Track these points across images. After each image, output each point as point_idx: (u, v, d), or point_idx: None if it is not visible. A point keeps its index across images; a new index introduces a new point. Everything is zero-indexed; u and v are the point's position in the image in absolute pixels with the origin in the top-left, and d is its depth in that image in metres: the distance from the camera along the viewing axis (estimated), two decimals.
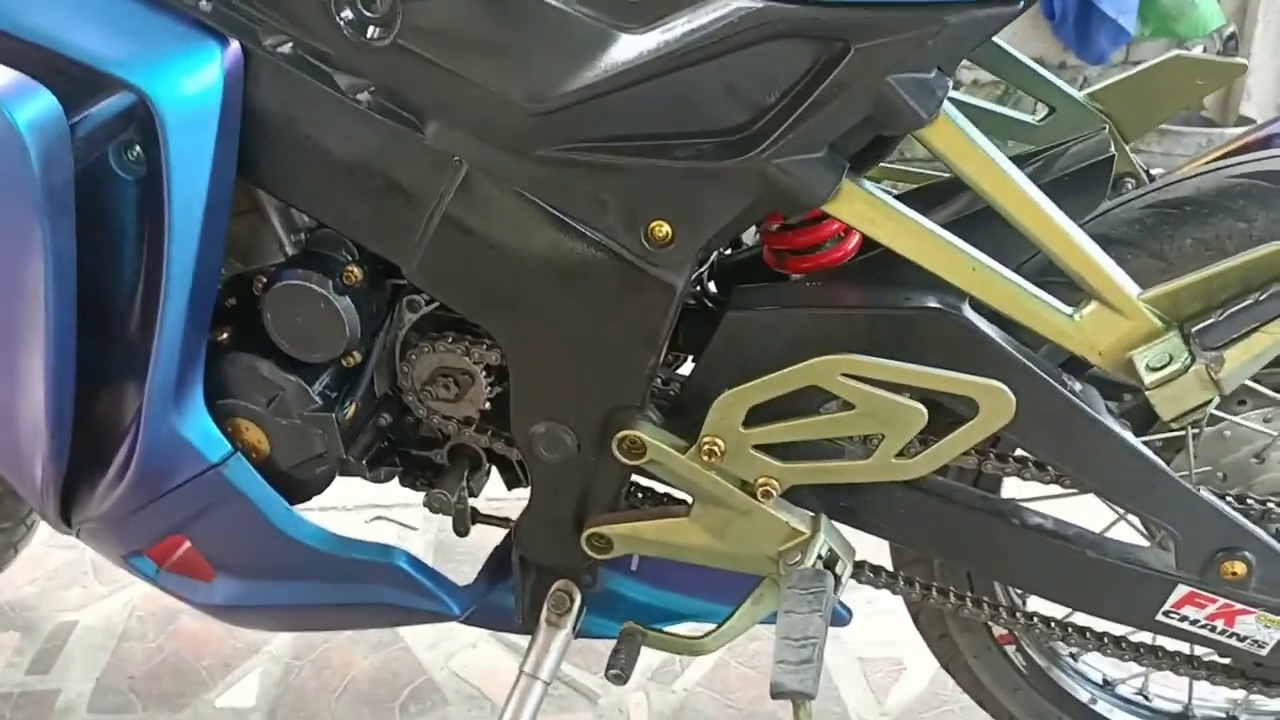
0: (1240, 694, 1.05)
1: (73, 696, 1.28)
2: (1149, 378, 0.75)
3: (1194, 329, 0.74)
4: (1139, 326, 0.76)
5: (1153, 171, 1.05)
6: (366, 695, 1.29)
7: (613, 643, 0.96)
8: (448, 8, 0.76)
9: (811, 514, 0.88)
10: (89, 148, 0.78)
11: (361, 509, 1.61)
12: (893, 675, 1.34)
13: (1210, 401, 0.75)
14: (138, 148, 0.80)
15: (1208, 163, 0.91)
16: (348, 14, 0.76)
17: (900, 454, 0.82)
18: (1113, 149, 0.87)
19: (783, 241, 0.91)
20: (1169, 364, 0.74)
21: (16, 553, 1.34)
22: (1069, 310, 0.77)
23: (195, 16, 0.77)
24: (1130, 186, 1.03)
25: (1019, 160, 0.92)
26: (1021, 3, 0.72)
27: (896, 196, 0.82)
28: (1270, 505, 0.88)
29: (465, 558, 1.48)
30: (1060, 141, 0.92)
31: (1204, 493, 0.85)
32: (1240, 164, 0.86)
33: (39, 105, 0.74)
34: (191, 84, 0.77)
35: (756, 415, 0.83)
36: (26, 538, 1.33)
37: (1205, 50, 0.97)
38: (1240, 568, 0.86)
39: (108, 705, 1.27)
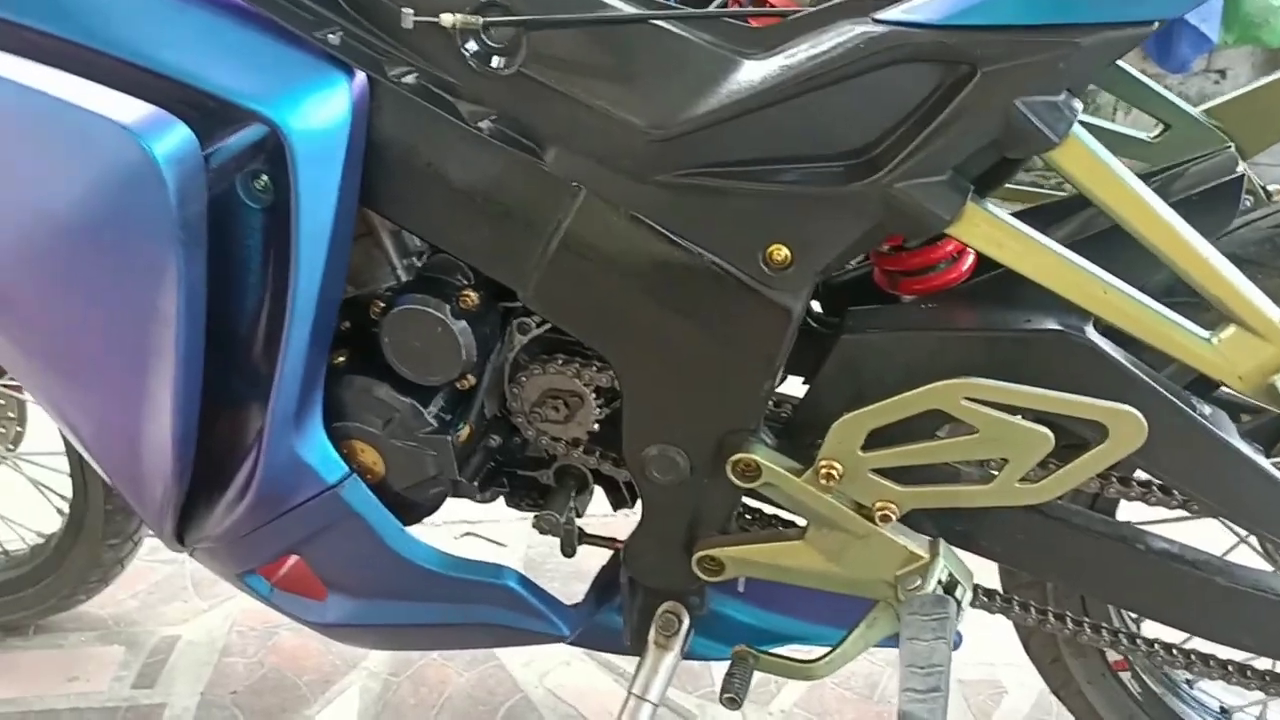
0: None
1: (178, 711, 1.30)
2: None
3: None
4: None
5: (1270, 188, 1.03)
6: (463, 712, 1.30)
7: (710, 664, 0.96)
8: (571, 37, 0.77)
9: (930, 538, 0.87)
10: (220, 178, 0.79)
11: (451, 524, 1.62)
12: (994, 699, 1.32)
13: None
14: (265, 177, 0.82)
15: None
16: (473, 45, 0.77)
17: (1024, 479, 0.82)
18: (1241, 167, 0.85)
19: (896, 263, 0.90)
20: None
21: (123, 568, 1.37)
22: (1206, 334, 0.76)
23: (324, 49, 0.79)
24: (1250, 203, 1.00)
25: (1142, 179, 0.90)
26: (1156, 22, 0.71)
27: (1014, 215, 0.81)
28: None
29: (554, 574, 1.48)
30: (1181, 161, 0.91)
31: None
32: None
33: (175, 138, 0.75)
34: (321, 116, 0.78)
35: (874, 439, 0.83)
36: (133, 553, 1.36)
37: None
38: None
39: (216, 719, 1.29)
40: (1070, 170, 0.75)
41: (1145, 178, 0.92)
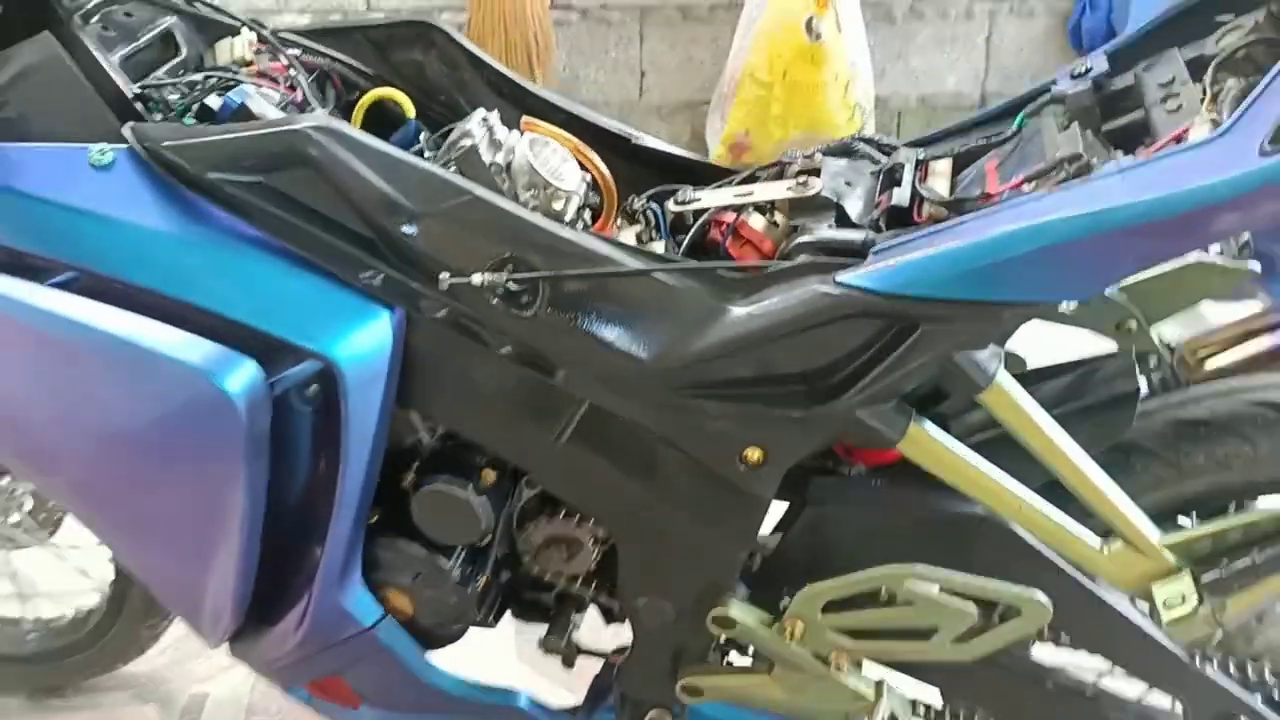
0: None
1: None
2: (1166, 615, 0.91)
3: (1204, 577, 0.90)
4: (1158, 566, 0.91)
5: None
6: None
7: None
8: (584, 287, 0.91)
9: (876, 681, 1.05)
10: (283, 399, 0.93)
11: None
12: None
13: (1211, 637, 0.91)
14: (315, 385, 0.96)
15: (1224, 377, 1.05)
16: (501, 293, 0.90)
17: (955, 639, 0.99)
18: (1137, 382, 1.01)
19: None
20: (1182, 604, 0.90)
21: (156, 640, 1.52)
22: (1098, 544, 0.93)
23: (366, 289, 0.92)
24: (1153, 363, 1.16)
25: (1051, 371, 1.05)
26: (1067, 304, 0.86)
27: None
28: (1264, 675, 1.04)
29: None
30: (1089, 359, 1.05)
31: (1208, 670, 1.00)
32: (1251, 389, 1.00)
33: (245, 374, 0.89)
34: (366, 347, 0.92)
35: (833, 603, 1.00)
36: (168, 627, 1.51)
37: (1223, 252, 1.07)
38: None
39: None
40: (994, 408, 0.91)
41: (1057, 371, 1.08)
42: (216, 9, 1.09)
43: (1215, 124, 0.80)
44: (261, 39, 1.08)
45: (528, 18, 2.85)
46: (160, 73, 1.01)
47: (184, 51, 1.06)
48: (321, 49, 1.13)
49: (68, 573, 1.50)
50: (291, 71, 1.06)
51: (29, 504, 1.44)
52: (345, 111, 1.11)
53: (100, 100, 0.92)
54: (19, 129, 0.91)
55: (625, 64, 3.08)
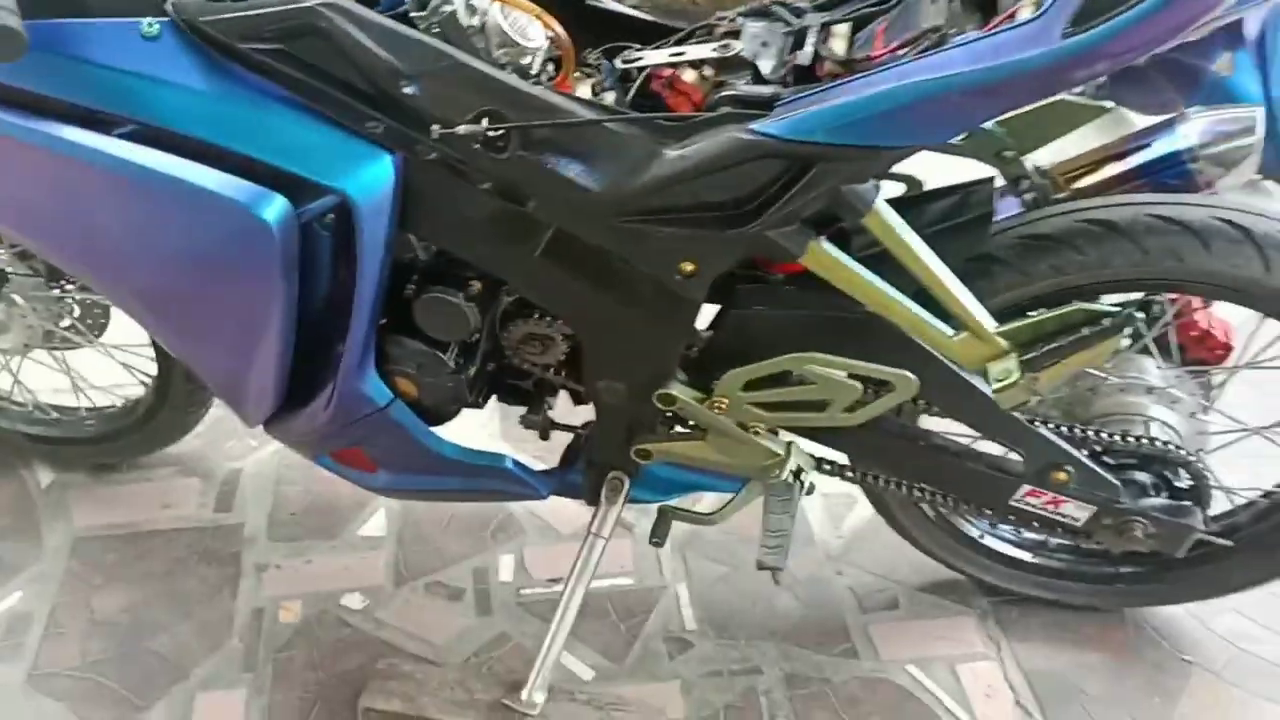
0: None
1: (253, 529, 1.77)
2: (994, 385, 1.18)
3: (1024, 356, 1.16)
4: (992, 348, 1.18)
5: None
6: (465, 525, 1.78)
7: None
8: (548, 134, 1.12)
9: (786, 441, 1.33)
10: (307, 226, 1.16)
11: None
12: (846, 506, 1.83)
13: (1029, 400, 1.19)
14: (331, 215, 1.19)
15: (1071, 194, 1.30)
16: (481, 139, 1.12)
17: (845, 410, 1.26)
18: (992, 206, 1.24)
19: None
20: (1008, 378, 1.17)
21: (198, 423, 1.79)
22: (950, 332, 1.19)
23: (371, 136, 1.14)
24: (1025, 186, 1.39)
25: (928, 195, 1.29)
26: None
27: None
28: (1089, 434, 1.33)
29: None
30: (958, 185, 1.28)
31: (1042, 430, 1.29)
32: (1084, 209, 1.25)
33: (278, 207, 1.12)
34: (374, 185, 1.14)
35: (751, 383, 1.27)
36: (205, 413, 1.78)
37: (1084, 93, 1.25)
38: (1063, 476, 1.31)
39: (281, 535, 1.75)
40: (872, 229, 1.15)
41: (933, 195, 1.31)
42: None
43: (1037, 5, 1.01)
44: None
45: None
46: None
47: None
48: None
49: (115, 368, 1.77)
50: None
51: (78, 310, 1.68)
52: None
53: None
54: (79, 6, 1.09)
55: None
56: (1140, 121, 1.41)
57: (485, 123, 1.10)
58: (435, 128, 1.10)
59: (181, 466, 1.88)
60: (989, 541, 1.62)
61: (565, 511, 1.80)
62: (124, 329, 1.68)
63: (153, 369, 1.72)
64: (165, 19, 1.10)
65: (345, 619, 1.61)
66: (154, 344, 1.64)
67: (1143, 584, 1.60)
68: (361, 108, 1.12)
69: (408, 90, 1.10)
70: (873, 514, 1.73)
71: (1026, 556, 1.63)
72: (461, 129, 1.10)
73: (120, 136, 1.12)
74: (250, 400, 1.36)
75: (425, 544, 1.74)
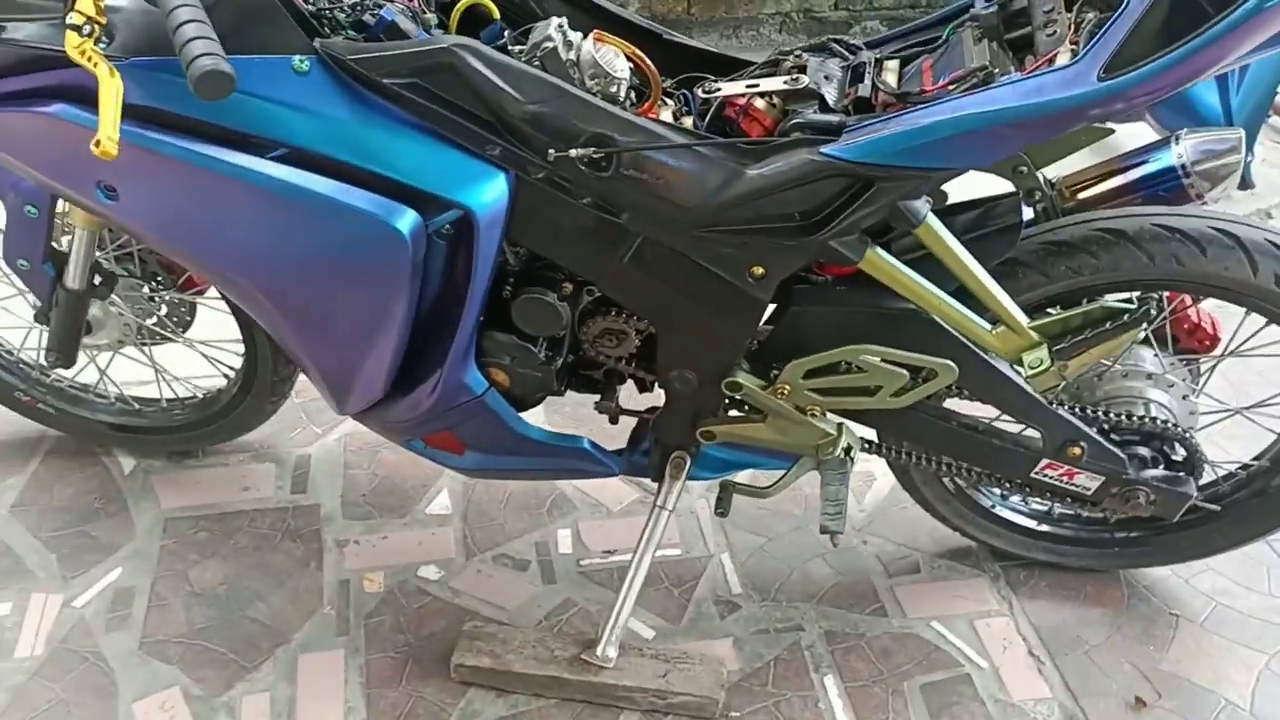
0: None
1: (330, 509, 1.92)
2: (1028, 372, 1.37)
3: (1055, 348, 1.36)
4: (1026, 340, 1.37)
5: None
6: (522, 503, 1.95)
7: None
8: (643, 155, 1.29)
9: (838, 423, 1.52)
10: (430, 235, 1.32)
11: None
12: (866, 484, 2.02)
13: (1059, 385, 1.39)
14: (450, 226, 1.34)
15: (1081, 204, 1.49)
16: (587, 161, 1.28)
17: (894, 394, 1.45)
18: (1021, 215, 1.43)
19: None
20: (1040, 366, 1.37)
21: (275, 412, 1.94)
22: (989, 328, 1.38)
23: (490, 158, 1.30)
24: (1038, 197, 1.58)
25: (964, 206, 1.47)
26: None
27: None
28: (1098, 414, 1.53)
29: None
30: (990, 198, 1.47)
31: (1061, 411, 1.49)
32: (1097, 219, 1.44)
33: (410, 219, 1.28)
34: (492, 200, 1.30)
35: (810, 372, 1.45)
36: (284, 402, 1.93)
37: None
38: (1078, 450, 1.51)
39: (356, 515, 1.91)
40: (924, 239, 1.33)
41: (969, 205, 1.50)
42: None
43: (1074, 53, 1.20)
44: None
45: None
46: None
47: None
48: None
49: (195, 361, 1.91)
50: None
51: (165, 309, 1.82)
52: (444, 12, 1.45)
53: (292, 21, 1.25)
54: (236, 45, 1.23)
55: None
56: (1136, 140, 1.61)
57: (592, 146, 1.27)
58: (551, 151, 1.26)
59: (254, 453, 2.02)
60: (1000, 511, 1.82)
61: (613, 491, 1.97)
62: (208, 325, 1.84)
63: (236, 362, 1.86)
64: (314, 56, 1.25)
65: (424, 588, 1.78)
66: (244, 338, 1.78)
67: (1135, 548, 1.81)
68: (483, 133, 1.29)
69: (524, 118, 1.27)
70: (891, 489, 1.93)
71: (1033, 524, 1.83)
72: (573, 152, 1.26)
73: (272, 159, 1.27)
74: (357, 390, 1.51)
75: (488, 520, 1.91)
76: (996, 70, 1.28)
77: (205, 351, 1.89)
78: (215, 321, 1.81)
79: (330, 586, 1.77)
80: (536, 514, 1.93)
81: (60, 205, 1.58)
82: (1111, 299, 1.44)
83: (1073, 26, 1.25)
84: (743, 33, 3.60)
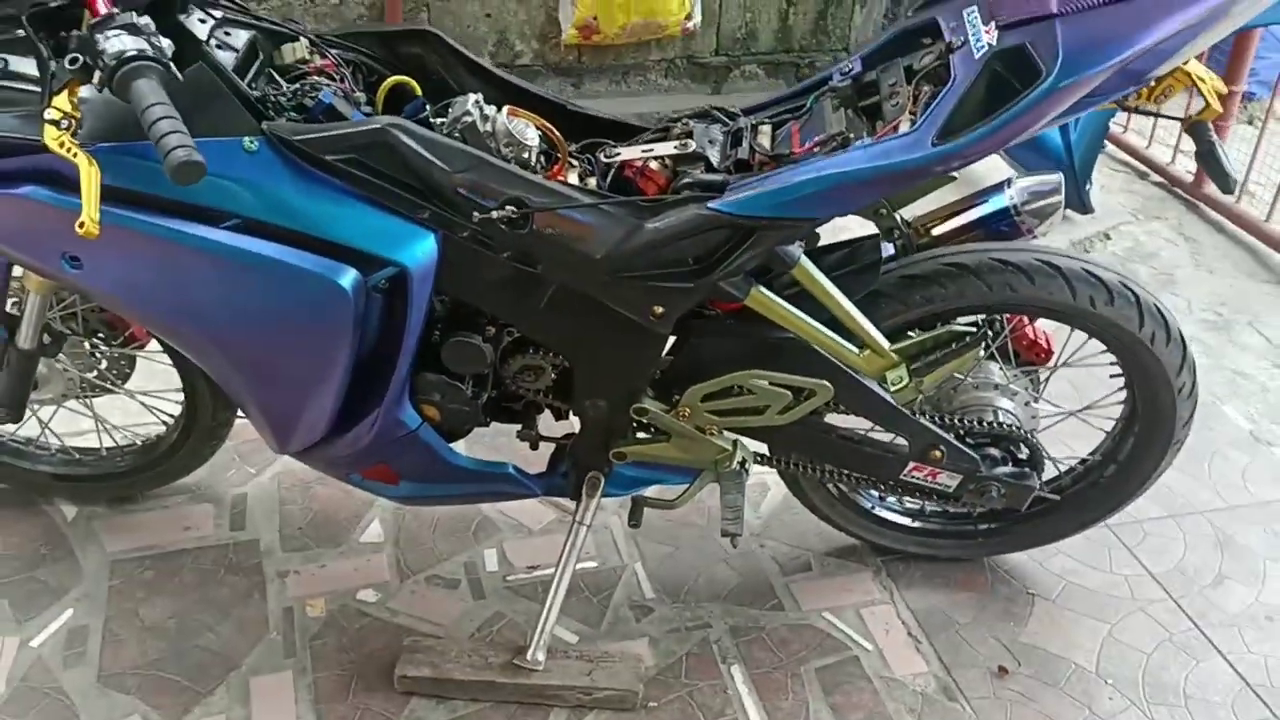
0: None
1: (269, 543, 2.05)
2: (892, 388, 1.61)
3: (913, 366, 1.60)
4: (888, 361, 1.61)
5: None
6: (450, 527, 2.11)
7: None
8: (555, 218, 1.48)
9: (734, 439, 1.73)
10: (368, 289, 1.49)
11: None
12: (761, 493, 2.24)
13: (915, 400, 1.63)
14: (386, 281, 1.52)
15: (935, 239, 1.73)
16: (505, 220, 1.47)
17: (780, 412, 1.67)
18: (881, 254, 1.67)
19: None
20: (901, 384, 1.61)
21: (213, 455, 2.07)
22: (856, 350, 1.61)
23: (420, 220, 1.48)
24: (896, 234, 1.82)
25: (833, 247, 1.71)
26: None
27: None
28: (954, 421, 1.77)
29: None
30: (855, 239, 1.71)
31: (922, 420, 1.73)
32: (946, 254, 1.68)
33: (352, 276, 1.45)
34: (423, 257, 1.48)
35: (707, 395, 1.66)
36: (221, 445, 2.06)
37: None
38: (938, 454, 1.75)
39: (294, 547, 2.05)
40: (799, 277, 1.56)
41: (836, 246, 1.73)
42: (279, 22, 1.58)
43: (912, 121, 1.44)
44: (312, 43, 1.58)
45: None
46: (254, 74, 1.51)
47: (261, 56, 1.55)
48: (351, 46, 1.64)
49: (136, 410, 2.03)
50: (337, 67, 1.57)
51: (106, 363, 1.94)
52: (370, 91, 1.63)
53: (241, 107, 1.41)
54: (193, 128, 1.38)
55: None
56: (978, 184, 1.87)
57: (510, 208, 1.46)
58: (475, 214, 1.45)
59: (193, 494, 2.15)
60: (880, 512, 2.06)
61: (532, 512, 2.15)
62: (144, 376, 1.97)
63: (174, 410, 1.99)
64: (262, 137, 1.42)
65: (364, 610, 1.93)
66: (184, 387, 1.92)
67: (996, 537, 2.06)
68: (413, 199, 1.47)
69: (450, 185, 1.45)
70: (784, 498, 2.15)
71: (908, 522, 2.08)
72: (494, 213, 1.45)
73: (226, 228, 1.43)
74: (300, 431, 1.67)
75: (419, 545, 2.07)
76: (852, 135, 1.51)
77: (145, 401, 2.01)
78: (153, 372, 1.95)
79: (274, 614, 1.91)
80: (464, 536, 2.10)
81: (15, 270, 1.70)
82: (958, 323, 1.69)
83: (912, 98, 1.50)
84: (631, 78, 3.82)
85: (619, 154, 1.59)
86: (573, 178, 1.60)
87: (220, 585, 1.96)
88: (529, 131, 1.56)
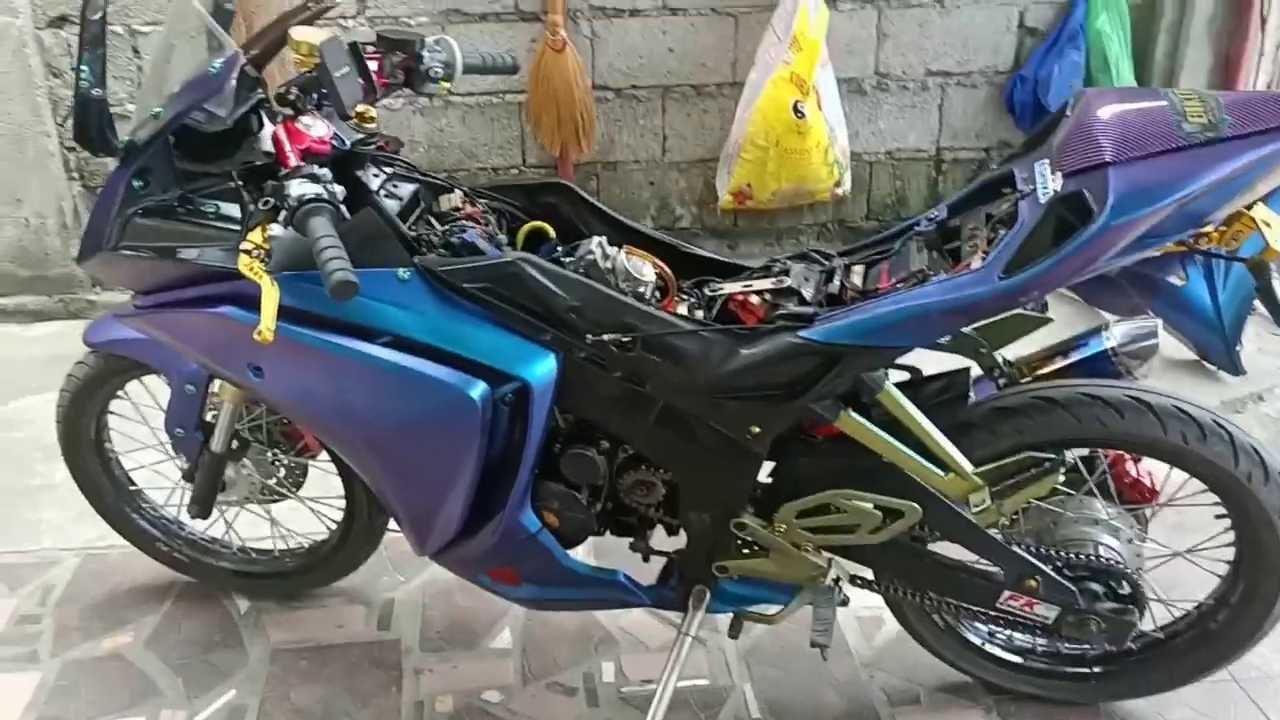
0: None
1: (409, 642, 2.24)
2: (974, 510, 1.69)
3: (993, 490, 1.68)
4: (971, 484, 1.69)
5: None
6: (573, 639, 2.25)
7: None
8: (662, 340, 1.67)
9: (829, 556, 1.83)
10: (495, 402, 1.70)
11: None
12: (876, 625, 2.29)
13: (999, 521, 1.70)
14: (510, 395, 1.73)
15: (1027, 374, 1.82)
16: (617, 344, 1.67)
17: (871, 532, 1.76)
18: (969, 388, 1.77)
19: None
20: (983, 505, 1.68)
21: (368, 559, 2.30)
22: (943, 474, 1.70)
23: (543, 342, 1.69)
24: (997, 373, 1.91)
25: (927, 379, 1.82)
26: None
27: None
28: (1052, 552, 1.81)
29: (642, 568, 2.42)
30: (945, 373, 1.81)
31: (1017, 549, 1.78)
32: (1036, 389, 1.77)
33: (481, 390, 1.67)
34: (544, 375, 1.68)
35: (801, 512, 1.77)
36: (375, 551, 2.29)
37: (1031, 307, 1.73)
38: (1033, 583, 1.79)
39: (431, 647, 2.23)
40: (885, 403, 1.68)
41: (930, 379, 1.84)
42: (439, 178, 1.88)
43: (983, 259, 1.57)
44: (465, 194, 1.86)
45: (574, 98, 3.63)
46: (414, 219, 1.79)
47: (421, 204, 1.84)
48: (497, 197, 1.91)
49: (305, 516, 2.29)
50: (484, 213, 1.84)
51: (283, 471, 2.22)
52: (511, 234, 1.89)
53: (397, 243, 1.68)
54: (357, 260, 1.65)
55: (651, 130, 3.87)
56: (1083, 326, 1.95)
57: (621, 333, 1.66)
58: (589, 336, 1.66)
59: (347, 596, 2.37)
60: (989, 648, 2.08)
61: (649, 629, 2.27)
62: (314, 484, 2.23)
63: (337, 516, 2.24)
64: (414, 268, 1.67)
65: (486, 709, 2.08)
66: (346, 493, 2.17)
67: (1109, 681, 2.04)
68: (538, 323, 1.68)
69: (569, 311, 1.66)
70: (898, 631, 2.19)
71: (1019, 660, 2.08)
72: (606, 337, 1.65)
73: (380, 344, 1.68)
74: (436, 531, 1.87)
75: (543, 653, 2.22)
76: (931, 272, 1.65)
77: (313, 507, 2.28)
78: (320, 481, 2.21)
79: (408, 706, 2.08)
80: (585, 648, 2.23)
81: (214, 385, 2.01)
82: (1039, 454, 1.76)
83: (985, 239, 1.63)
84: (784, 240, 4.05)
85: (722, 289, 1.78)
86: (682, 309, 1.79)
87: (364, 677, 2.16)
88: (644, 268, 1.77)
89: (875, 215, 4.07)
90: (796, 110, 3.46)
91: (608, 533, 1.97)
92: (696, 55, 3.76)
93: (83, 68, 1.58)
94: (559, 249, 1.85)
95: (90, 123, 1.62)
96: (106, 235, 1.72)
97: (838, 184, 3.75)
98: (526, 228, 1.88)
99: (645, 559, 1.98)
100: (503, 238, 1.86)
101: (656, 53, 3.75)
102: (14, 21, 3.47)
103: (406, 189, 1.84)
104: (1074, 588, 1.81)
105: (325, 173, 1.59)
